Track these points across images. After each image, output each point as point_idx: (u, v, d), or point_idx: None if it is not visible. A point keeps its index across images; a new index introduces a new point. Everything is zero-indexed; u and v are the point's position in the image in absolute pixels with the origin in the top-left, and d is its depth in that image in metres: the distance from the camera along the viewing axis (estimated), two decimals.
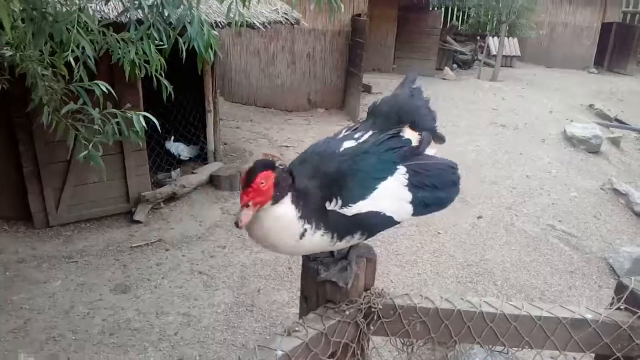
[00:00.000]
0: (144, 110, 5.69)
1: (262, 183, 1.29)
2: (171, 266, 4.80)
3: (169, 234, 5.34)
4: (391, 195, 1.46)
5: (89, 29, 2.46)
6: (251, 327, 4.05)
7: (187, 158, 6.90)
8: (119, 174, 5.54)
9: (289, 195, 1.34)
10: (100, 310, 4.18)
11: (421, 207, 1.51)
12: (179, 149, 6.77)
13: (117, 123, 2.32)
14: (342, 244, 1.47)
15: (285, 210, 1.34)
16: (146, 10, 2.33)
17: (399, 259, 5.14)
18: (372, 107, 1.69)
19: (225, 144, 7.69)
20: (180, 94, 6.81)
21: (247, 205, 1.29)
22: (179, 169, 6.52)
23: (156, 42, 2.51)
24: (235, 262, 4.89)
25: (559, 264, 5.34)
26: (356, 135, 1.57)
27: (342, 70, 10.44)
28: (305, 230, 1.36)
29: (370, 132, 1.57)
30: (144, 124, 2.32)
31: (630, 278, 1.75)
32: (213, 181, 6.39)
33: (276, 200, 1.32)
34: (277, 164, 1.34)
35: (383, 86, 12.03)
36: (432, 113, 1.72)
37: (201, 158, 6.95)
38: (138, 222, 5.50)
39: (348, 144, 1.52)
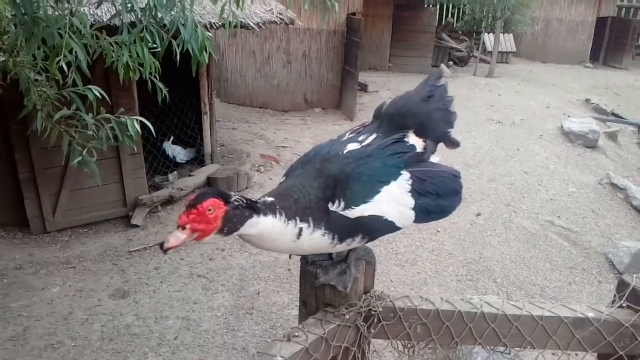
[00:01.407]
0: (140, 114, 5.70)
1: (210, 210, 1.19)
2: (170, 270, 4.77)
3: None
4: (394, 200, 1.43)
5: (82, 33, 2.43)
6: (251, 330, 4.03)
7: (184, 160, 6.88)
8: (115, 177, 5.52)
9: (263, 211, 1.29)
10: (99, 316, 4.15)
11: (423, 214, 1.49)
12: (175, 151, 6.75)
13: (112, 128, 2.29)
14: (342, 247, 1.45)
15: (267, 223, 1.29)
16: (138, 13, 2.31)
17: (398, 258, 5.12)
18: (378, 110, 1.65)
19: (222, 145, 7.67)
20: (176, 96, 6.82)
21: (183, 228, 1.18)
22: (175, 172, 6.49)
23: (149, 44, 2.48)
24: (234, 265, 4.87)
25: (559, 259, 5.33)
26: (360, 138, 1.55)
27: (338, 70, 10.42)
28: (302, 229, 1.33)
29: (374, 135, 1.55)
30: (138, 128, 2.29)
31: (632, 275, 1.73)
32: (210, 183, 6.36)
33: (224, 234, 1.24)
34: (234, 199, 1.25)
35: (379, 85, 12.03)
36: (450, 116, 1.67)
37: (198, 160, 6.93)
38: (136, 226, 5.47)
39: (352, 146, 1.51)
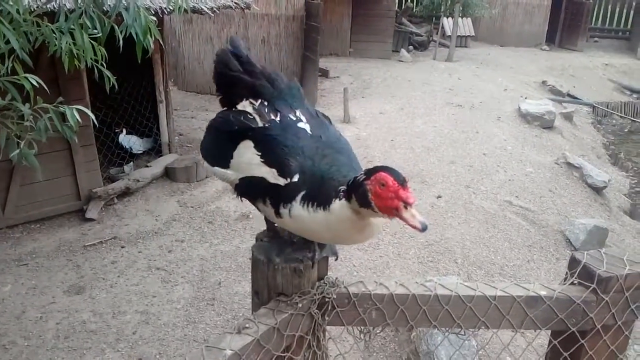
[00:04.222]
0: (92, 103, 5.49)
1: None
2: (127, 263, 4.65)
3: (123, 230, 5.17)
4: None
5: (22, 20, 2.30)
6: (213, 321, 3.96)
7: (141, 151, 6.68)
8: (67, 170, 5.32)
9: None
10: (54, 314, 4.01)
11: None
12: (131, 142, 6.54)
13: (50, 118, 2.18)
14: None
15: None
16: None
17: (360, 243, 5.12)
18: (270, 88, 1.59)
19: (180, 134, 7.50)
20: (130, 85, 6.62)
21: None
22: (132, 163, 6.31)
23: (90, 30, 2.36)
24: (195, 256, 4.78)
25: (517, 238, 5.42)
26: (290, 117, 1.51)
27: (298, 55, 10.31)
28: None
29: (297, 111, 1.54)
30: (78, 117, 2.18)
31: (583, 252, 1.75)
32: (168, 174, 6.22)
33: None
34: None
35: (341, 70, 11.99)
36: None
37: (155, 150, 6.74)
38: (91, 219, 5.30)
39: (304, 126, 1.50)
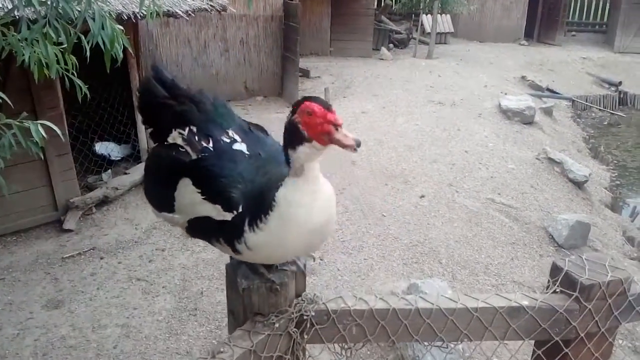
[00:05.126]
0: (66, 111, 5.36)
1: None
2: (107, 275, 4.54)
3: (102, 240, 5.06)
4: None
5: None
6: (195, 332, 3.89)
7: (119, 158, 6.55)
8: (43, 181, 5.18)
9: None
10: (32, 330, 3.90)
11: None
12: (108, 149, 6.41)
13: (14, 134, 2.10)
14: None
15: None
16: (37, 6, 2.10)
17: (344, 246, 5.08)
18: (188, 111, 1.51)
19: None
20: (106, 91, 6.49)
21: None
22: (109, 171, 6.18)
23: (56, 40, 2.28)
24: (176, 265, 4.69)
25: (501, 236, 5.42)
26: (224, 140, 1.45)
27: (278, 56, 10.25)
28: None
29: (231, 131, 1.49)
30: (43, 133, 2.10)
31: (564, 259, 1.72)
32: None
33: None
34: None
35: (321, 70, 11.94)
36: None
37: (134, 157, 6.62)
38: (69, 230, 5.18)
39: (240, 147, 1.45)
